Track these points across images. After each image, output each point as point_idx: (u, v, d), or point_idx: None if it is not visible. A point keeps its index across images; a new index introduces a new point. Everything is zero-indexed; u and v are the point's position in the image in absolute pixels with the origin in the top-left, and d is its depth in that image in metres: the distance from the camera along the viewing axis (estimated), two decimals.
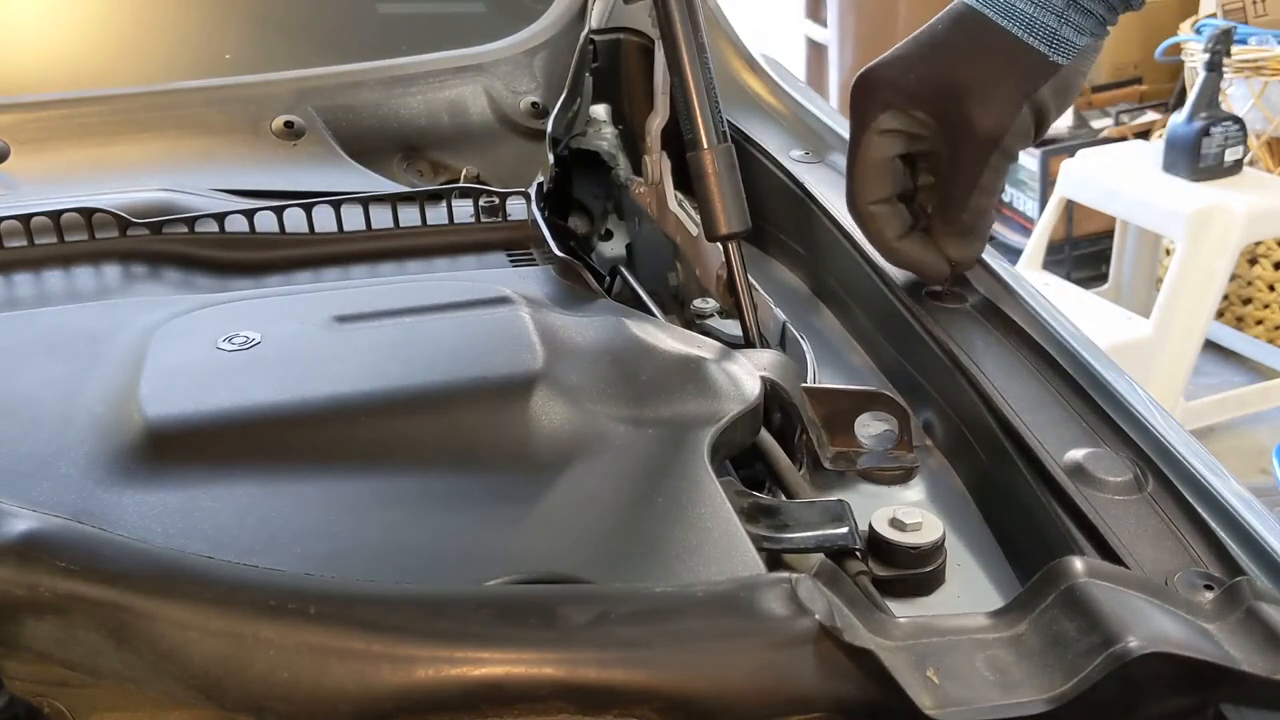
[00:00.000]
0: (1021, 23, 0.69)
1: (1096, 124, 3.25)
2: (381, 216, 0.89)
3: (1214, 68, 2.57)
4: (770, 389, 0.67)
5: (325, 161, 1.03)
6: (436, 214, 0.90)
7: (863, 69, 0.75)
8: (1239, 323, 2.98)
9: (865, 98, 0.74)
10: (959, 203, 0.74)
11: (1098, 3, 0.70)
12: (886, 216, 0.76)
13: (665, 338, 0.69)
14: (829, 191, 0.91)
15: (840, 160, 0.97)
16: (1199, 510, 0.56)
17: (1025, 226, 3.19)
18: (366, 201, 0.89)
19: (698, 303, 0.85)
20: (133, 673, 0.43)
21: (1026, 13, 0.69)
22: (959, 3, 0.73)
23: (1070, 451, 0.60)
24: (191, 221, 0.86)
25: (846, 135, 0.98)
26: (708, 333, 0.80)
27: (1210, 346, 2.79)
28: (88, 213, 0.85)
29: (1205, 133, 2.56)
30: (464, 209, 0.92)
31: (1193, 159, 2.57)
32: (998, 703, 0.43)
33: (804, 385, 0.70)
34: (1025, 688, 0.44)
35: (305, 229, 0.87)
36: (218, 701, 0.42)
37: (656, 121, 0.91)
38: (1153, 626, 0.44)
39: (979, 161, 0.72)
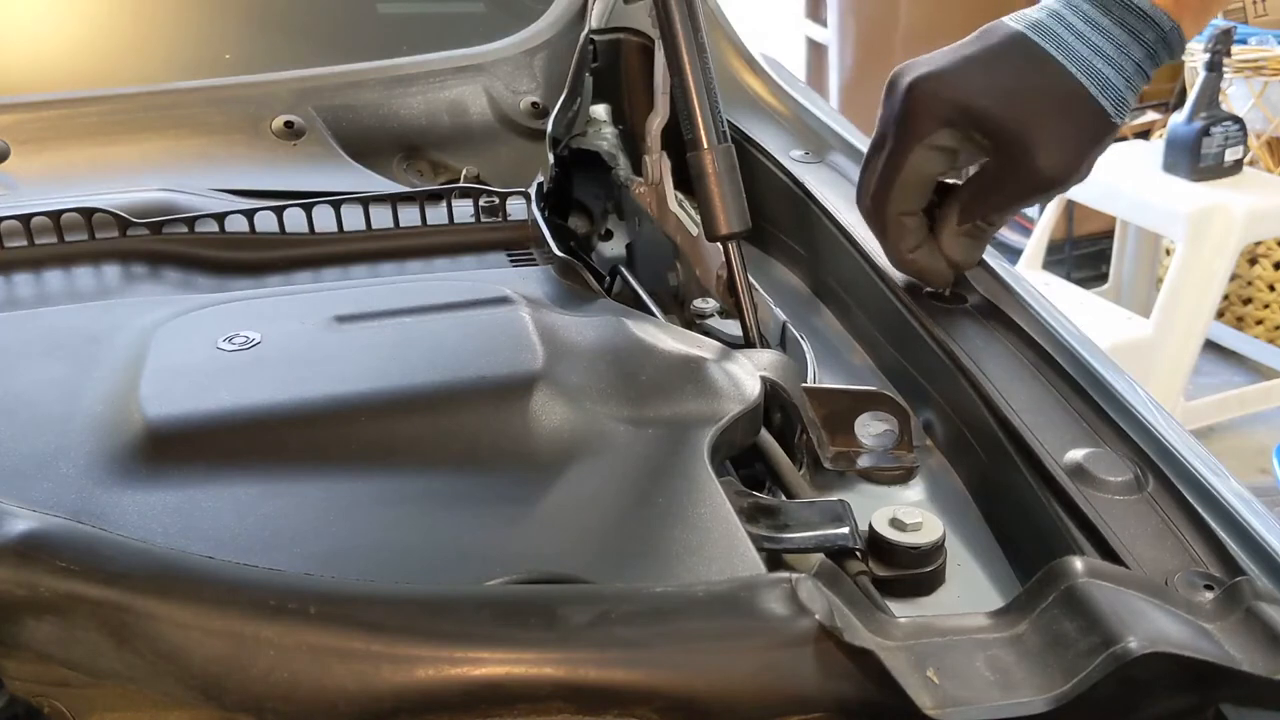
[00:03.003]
0: (1099, 84, 0.70)
1: None
2: (381, 216, 0.89)
3: (1214, 68, 2.57)
4: (770, 389, 0.67)
5: (325, 161, 1.03)
6: (436, 214, 0.90)
7: (918, 75, 0.72)
8: (1239, 323, 2.99)
9: (924, 107, 0.72)
10: (987, 217, 0.74)
11: (1153, 65, 0.71)
12: (909, 229, 0.75)
13: (665, 338, 0.69)
14: (829, 191, 0.91)
15: (841, 160, 0.97)
16: (1199, 510, 0.56)
17: (1025, 226, 3.19)
18: (366, 201, 0.89)
19: (698, 303, 0.85)
20: (133, 673, 0.43)
21: (1104, 74, 0.70)
22: (1028, 43, 0.71)
23: (1070, 451, 0.60)
24: (191, 221, 0.86)
25: (847, 135, 0.99)
26: (708, 333, 0.80)
27: (1210, 346, 2.79)
28: (88, 213, 0.85)
29: (1205, 133, 2.56)
30: (464, 209, 0.92)
31: (1193, 159, 2.57)
32: (998, 703, 0.43)
33: (804, 385, 0.70)
34: (1025, 688, 0.44)
35: (305, 229, 0.87)
36: (218, 701, 0.42)
37: (656, 121, 0.91)
38: (1153, 626, 0.44)
39: (1029, 199, 0.74)
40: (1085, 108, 0.70)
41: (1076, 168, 0.71)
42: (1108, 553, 0.54)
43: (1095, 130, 0.71)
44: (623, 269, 0.95)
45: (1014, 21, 0.72)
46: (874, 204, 0.76)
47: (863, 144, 0.92)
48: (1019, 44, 0.71)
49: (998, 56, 0.72)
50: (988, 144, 0.72)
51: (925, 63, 0.73)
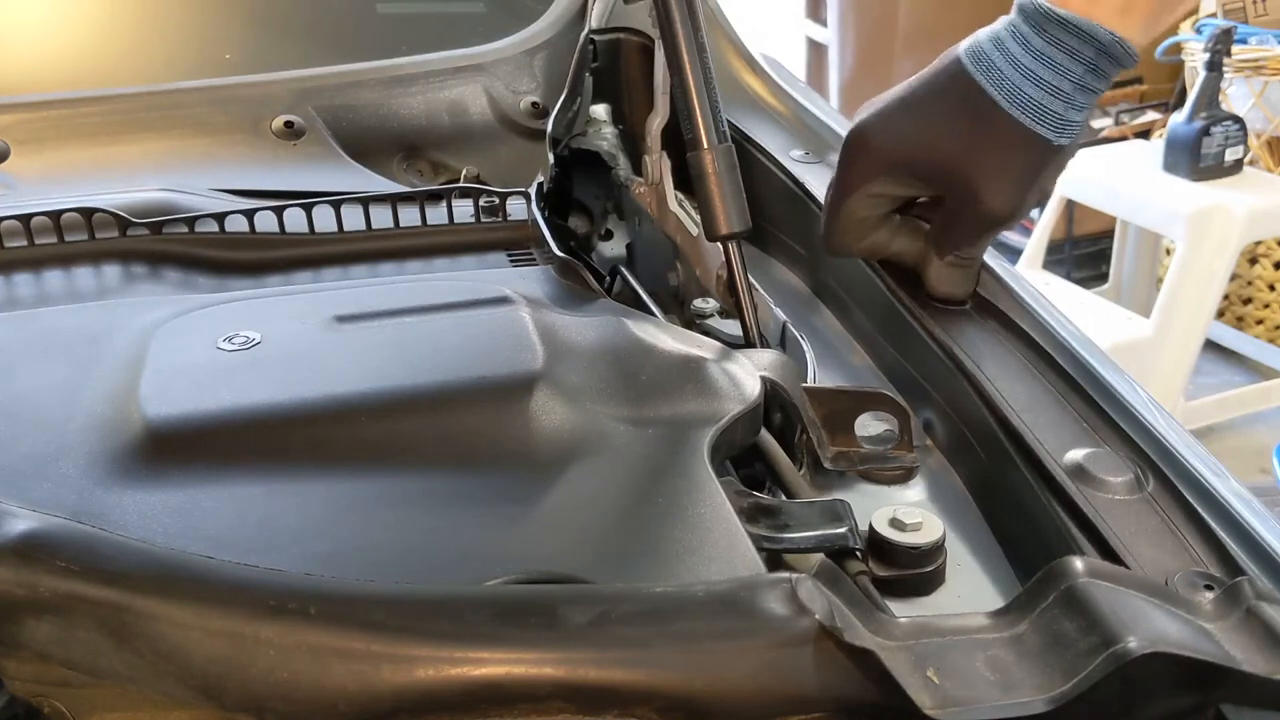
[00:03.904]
0: (1030, 111, 0.68)
1: (1096, 124, 3.25)
2: (381, 216, 0.89)
3: (1214, 67, 2.57)
4: (770, 389, 0.67)
5: (325, 161, 1.03)
6: (436, 214, 0.90)
7: (858, 124, 0.74)
8: (1239, 323, 2.99)
9: (860, 159, 0.74)
10: (954, 248, 0.74)
11: (1099, 79, 0.68)
12: (871, 246, 0.78)
13: (665, 338, 0.69)
14: None
15: None
16: (1199, 510, 0.56)
17: (1025, 226, 3.19)
18: (366, 201, 0.89)
19: (698, 303, 0.85)
20: (133, 673, 0.43)
21: (1035, 100, 0.67)
22: (961, 72, 0.70)
23: (1070, 451, 0.60)
24: (191, 221, 0.86)
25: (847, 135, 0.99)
26: (708, 333, 0.80)
27: (1210, 346, 2.79)
28: (88, 213, 0.85)
29: (1205, 132, 2.56)
30: (464, 209, 0.92)
31: (1193, 159, 2.57)
32: (998, 703, 0.43)
33: (804, 385, 0.70)
34: (1025, 688, 0.44)
35: (305, 229, 0.87)
36: (218, 701, 0.42)
37: (656, 121, 0.91)
38: (1153, 626, 0.44)
39: (987, 234, 0.74)
40: (1021, 138, 0.68)
41: (1023, 199, 0.70)
42: (1108, 553, 0.54)
43: (1036, 158, 0.69)
44: (623, 269, 0.95)
45: (962, 46, 0.71)
46: (826, 240, 0.79)
47: None
48: (956, 76, 0.70)
49: (935, 94, 0.71)
50: (926, 187, 0.73)
51: (871, 106, 0.74)
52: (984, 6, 0.72)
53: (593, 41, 1.10)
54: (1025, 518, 0.61)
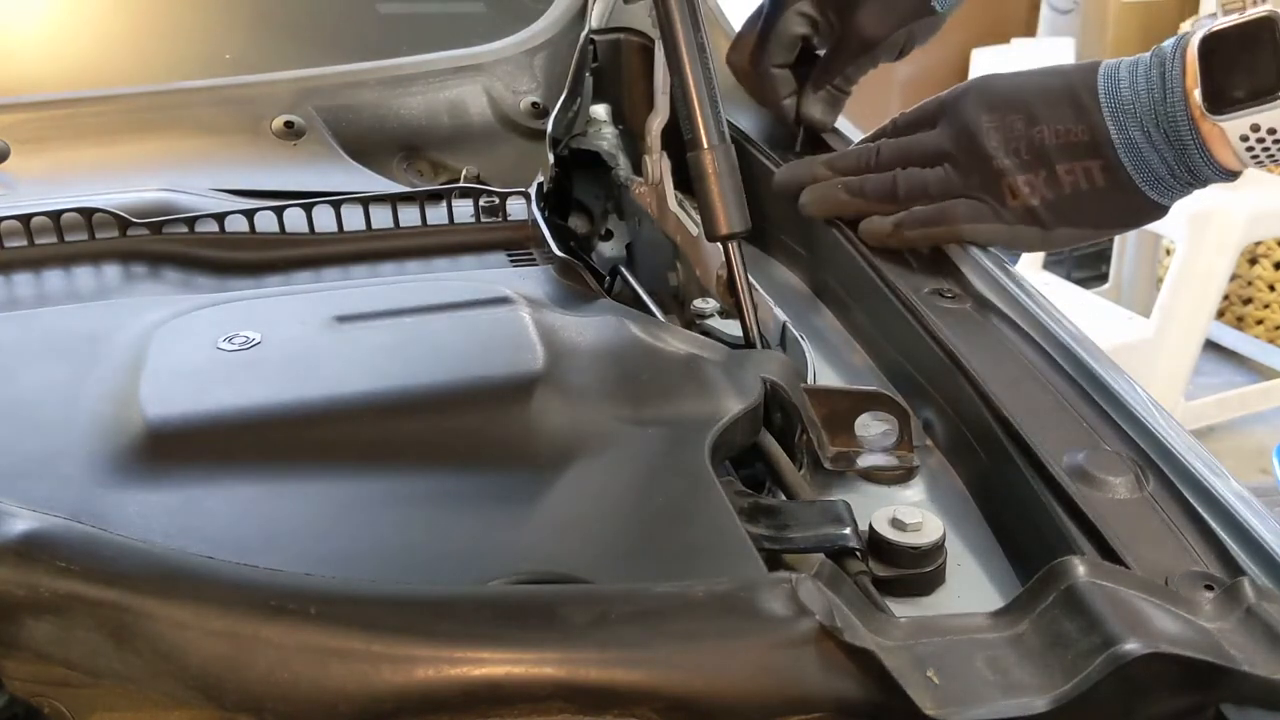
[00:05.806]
0: None
1: None
2: (381, 216, 0.89)
3: None
4: (770, 389, 0.67)
5: (325, 161, 1.03)
6: (436, 214, 0.90)
7: None
8: (1239, 323, 2.99)
9: None
10: (833, 80, 0.92)
11: None
12: (781, 79, 0.94)
13: (666, 338, 0.69)
14: None
15: None
16: (1199, 510, 0.56)
17: None
18: (366, 201, 0.89)
19: (698, 303, 0.85)
20: (132, 673, 0.43)
21: None
22: None
23: (1070, 451, 0.60)
24: (191, 221, 0.86)
25: (847, 135, 0.99)
26: (708, 333, 0.80)
27: (1210, 346, 2.79)
28: (88, 213, 0.85)
29: None
30: (464, 209, 0.92)
31: None
32: (998, 703, 0.43)
33: (804, 385, 0.70)
34: (1025, 688, 0.44)
35: (305, 229, 0.87)
36: (218, 702, 0.42)
37: (656, 121, 0.91)
38: (1153, 626, 0.44)
39: (852, 57, 0.91)
40: None
41: (890, 30, 0.88)
42: (1108, 553, 0.54)
43: (910, 9, 0.88)
44: (623, 269, 0.95)
45: None
46: (752, 58, 0.94)
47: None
48: None
49: None
50: (832, 15, 0.90)
51: None
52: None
53: (593, 41, 1.10)
54: (1025, 518, 0.61)
